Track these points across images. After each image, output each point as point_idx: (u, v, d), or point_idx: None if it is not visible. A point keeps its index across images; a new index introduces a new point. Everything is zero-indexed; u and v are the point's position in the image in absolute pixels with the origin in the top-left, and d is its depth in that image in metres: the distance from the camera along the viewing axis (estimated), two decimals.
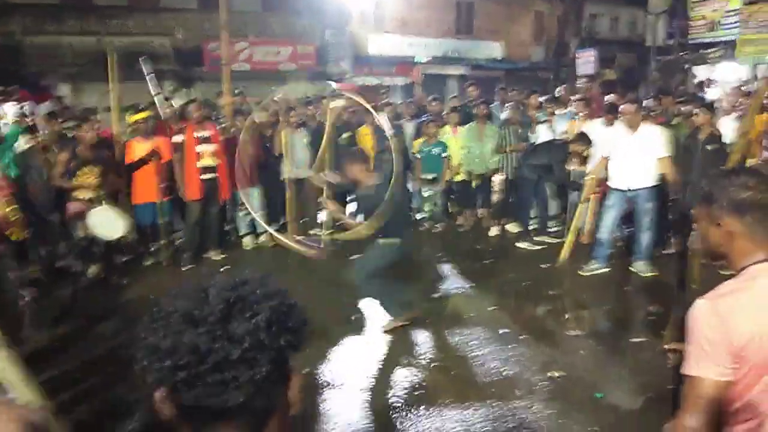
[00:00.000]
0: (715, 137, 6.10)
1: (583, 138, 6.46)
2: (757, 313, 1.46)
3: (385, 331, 4.74)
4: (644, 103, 7.07)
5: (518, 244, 7.10)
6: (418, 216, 8.09)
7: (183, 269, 6.39)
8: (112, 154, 6.32)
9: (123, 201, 6.43)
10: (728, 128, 6.36)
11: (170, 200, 6.53)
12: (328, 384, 3.97)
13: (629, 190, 5.86)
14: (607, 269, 6.04)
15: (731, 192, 1.53)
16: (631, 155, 5.74)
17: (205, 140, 6.50)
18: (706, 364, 1.46)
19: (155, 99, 7.50)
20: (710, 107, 6.31)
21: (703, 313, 1.49)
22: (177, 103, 8.43)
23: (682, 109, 6.54)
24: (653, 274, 5.86)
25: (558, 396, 3.76)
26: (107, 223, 5.61)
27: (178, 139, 6.49)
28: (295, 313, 0.91)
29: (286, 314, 0.89)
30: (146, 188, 6.37)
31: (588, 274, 6.00)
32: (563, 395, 3.77)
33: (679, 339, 1.69)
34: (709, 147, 6.03)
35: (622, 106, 5.94)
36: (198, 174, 6.43)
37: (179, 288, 0.91)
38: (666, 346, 1.86)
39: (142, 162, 6.33)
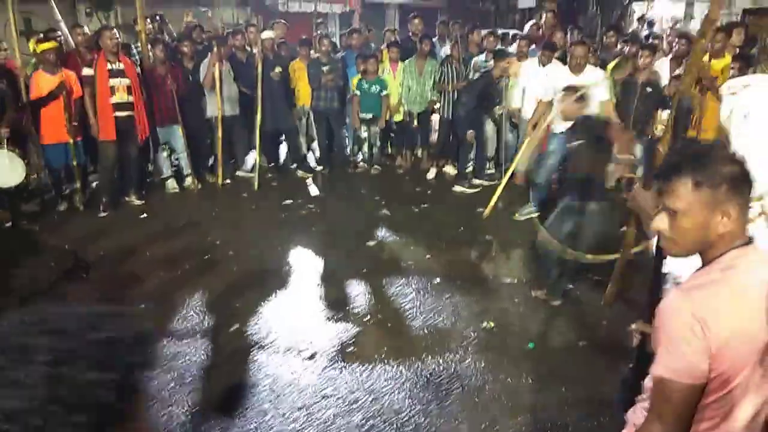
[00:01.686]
0: (653, 79, 6.06)
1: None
2: (736, 309, 1.30)
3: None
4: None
5: (454, 188, 7.01)
6: (360, 158, 7.82)
7: (100, 215, 5.95)
8: (13, 88, 5.66)
9: (30, 141, 5.86)
10: (665, 70, 6.32)
11: (83, 140, 5.98)
12: (257, 342, 3.79)
13: None
14: (537, 212, 6.03)
15: (714, 165, 1.32)
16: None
17: (119, 73, 5.91)
18: (679, 366, 1.31)
19: (60, 25, 6.74)
20: (652, 48, 6.23)
21: (677, 309, 1.32)
22: (92, 28, 7.62)
23: (625, 49, 6.42)
24: None
25: (491, 347, 3.74)
26: (1, 169, 5.07)
27: (88, 72, 5.88)
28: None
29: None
30: (55, 127, 5.79)
31: (523, 218, 5.98)
32: (496, 346, 3.75)
33: (648, 321, 1.53)
34: (647, 89, 6.00)
35: (572, 48, 5.76)
36: (111, 111, 5.89)
37: None
38: (633, 326, 1.73)
39: (50, 97, 5.71)
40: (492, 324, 4.00)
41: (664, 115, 5.97)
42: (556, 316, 4.16)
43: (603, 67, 6.46)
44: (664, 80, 6.14)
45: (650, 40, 8.42)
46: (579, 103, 4.68)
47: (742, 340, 1.30)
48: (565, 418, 3.08)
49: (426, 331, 3.95)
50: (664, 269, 2.00)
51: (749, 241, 1.38)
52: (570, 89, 4.78)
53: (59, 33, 6.61)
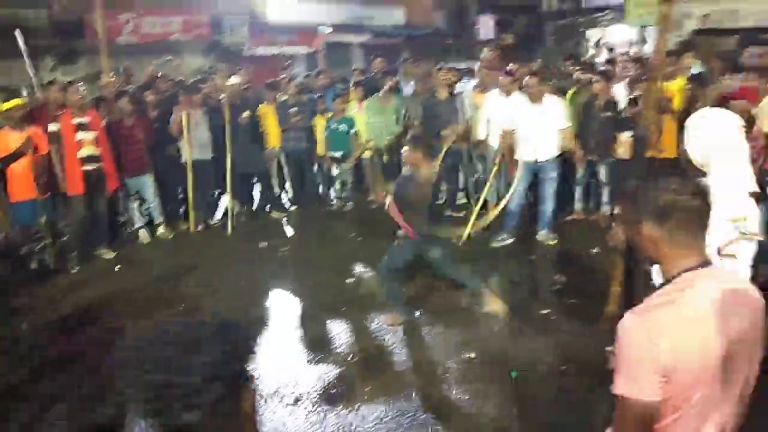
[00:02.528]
0: (611, 104, 6.28)
1: None
2: (685, 329, 1.37)
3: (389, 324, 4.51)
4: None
5: None
6: (333, 196, 7.87)
7: (72, 271, 5.85)
8: None
9: None
10: (621, 94, 6.55)
11: (52, 195, 5.92)
12: None
13: (536, 162, 5.94)
14: (513, 239, 6.14)
15: (652, 197, 1.45)
16: (537, 127, 5.82)
17: (85, 127, 5.90)
18: (633, 384, 1.38)
19: (33, 80, 6.71)
20: (607, 75, 6.48)
21: (629, 329, 1.41)
22: (59, 81, 7.59)
23: (582, 76, 6.66)
24: (555, 242, 6.05)
25: (474, 378, 3.75)
26: None
27: (53, 127, 5.85)
28: (244, 345, 1.08)
29: (236, 347, 1.05)
30: (23, 184, 5.73)
31: (498, 245, 6.07)
32: (479, 376, 3.76)
33: None
34: (606, 113, 6.21)
35: (525, 79, 5.96)
36: (79, 165, 5.85)
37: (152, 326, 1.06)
38: (608, 348, 1.78)
39: (16, 155, 5.66)
40: (473, 355, 4.01)
41: (623, 136, 6.17)
42: (536, 342, 4.19)
43: (562, 94, 6.68)
44: (622, 104, 6.36)
45: (609, 65, 8.74)
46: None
47: (695, 359, 1.36)
48: None
49: (409, 365, 3.95)
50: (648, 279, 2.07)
51: (706, 263, 1.47)
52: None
53: (25, 90, 6.59)
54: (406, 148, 4.36)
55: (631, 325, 1.41)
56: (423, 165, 4.29)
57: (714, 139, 2.61)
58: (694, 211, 1.44)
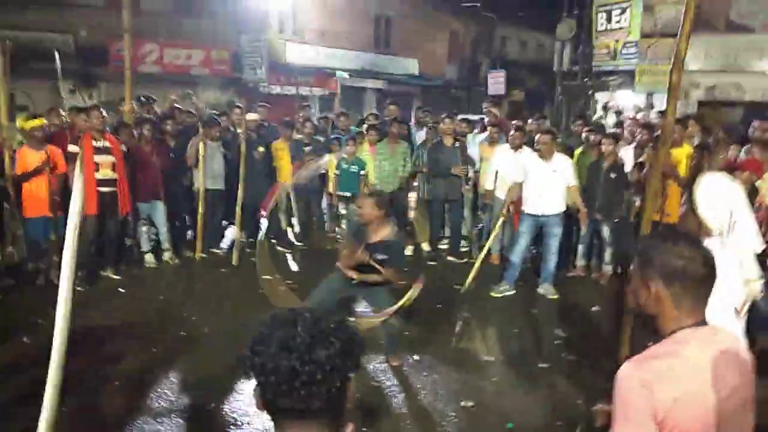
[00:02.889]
0: (618, 165, 6.43)
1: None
2: (681, 379, 1.44)
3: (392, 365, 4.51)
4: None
5: (429, 262, 7.19)
6: (339, 234, 7.96)
7: (78, 289, 5.88)
8: None
9: (9, 217, 5.90)
10: (628, 156, 6.71)
11: (64, 215, 6.01)
12: (233, 423, 3.74)
13: (542, 215, 6.06)
14: (514, 291, 6.20)
15: (664, 258, 1.53)
16: (545, 183, 5.97)
17: (104, 150, 6.05)
18: (630, 430, 1.44)
19: (64, 101, 6.91)
20: (615, 137, 6.64)
21: (627, 377, 1.48)
22: (75, 101, 7.80)
23: (592, 137, 6.82)
24: (557, 297, 6.10)
25: (470, 427, 3.74)
26: None
27: (74, 149, 5.99)
28: (358, 343, 1.19)
29: (351, 344, 1.18)
30: (38, 201, 5.87)
31: (499, 295, 6.12)
32: (475, 426, 3.76)
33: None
34: (612, 175, 6.35)
35: (538, 136, 6.13)
36: (95, 187, 5.97)
37: (274, 317, 1.22)
38: (596, 407, 1.84)
39: (34, 173, 5.81)
40: (471, 403, 4.02)
41: (634, 199, 6.33)
42: (534, 395, 4.20)
43: (570, 153, 6.85)
44: (628, 166, 6.51)
45: (618, 128, 8.96)
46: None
47: (691, 410, 1.43)
48: None
49: (405, 411, 3.95)
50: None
51: (703, 322, 1.55)
52: None
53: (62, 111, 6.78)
54: (366, 201, 4.35)
55: (629, 373, 1.48)
56: (378, 224, 4.31)
57: (729, 202, 2.73)
58: (701, 279, 1.52)
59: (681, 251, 1.52)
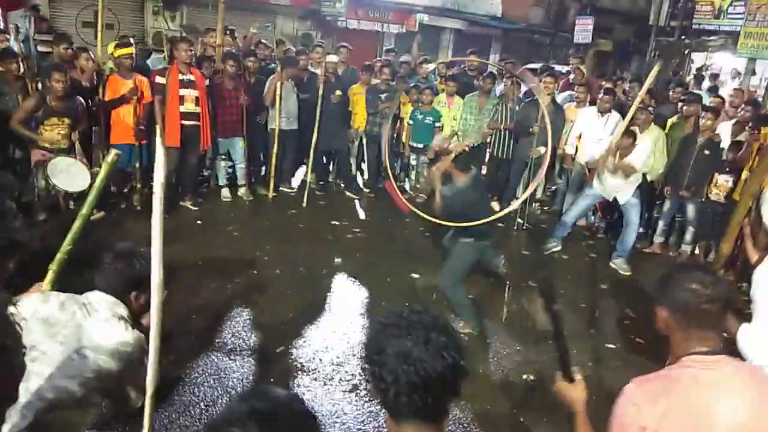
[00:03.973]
0: (714, 143, 6.01)
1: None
2: (671, 399, 1.52)
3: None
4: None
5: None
6: (408, 185, 7.93)
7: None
8: (88, 97, 5.95)
9: (98, 140, 6.16)
10: (726, 133, 6.26)
11: (147, 144, 6.22)
12: (301, 367, 3.89)
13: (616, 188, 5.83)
14: (559, 247, 6.27)
15: (672, 289, 1.63)
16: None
17: (189, 84, 6.15)
18: None
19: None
20: (716, 111, 6.15)
21: (625, 395, 1.60)
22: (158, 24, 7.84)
23: (689, 109, 6.36)
24: (629, 273, 5.91)
25: (530, 401, 3.76)
26: (68, 175, 5.25)
27: (160, 80, 6.12)
28: (463, 354, 1.30)
29: (460, 355, 1.30)
30: (123, 129, 6.08)
31: (548, 252, 6.21)
32: (536, 399, 3.78)
33: None
34: (706, 152, 5.96)
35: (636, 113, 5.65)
36: (179, 119, 6.11)
37: (384, 325, 1.31)
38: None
39: (122, 100, 5.99)
40: (532, 376, 4.02)
41: (721, 179, 5.93)
42: (595, 377, 4.16)
43: (662, 122, 6.44)
44: (725, 143, 6.09)
45: (712, 93, 8.33)
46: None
47: (679, 423, 1.50)
48: None
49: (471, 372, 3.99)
50: None
51: (717, 352, 1.59)
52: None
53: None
54: (445, 158, 4.41)
55: (629, 391, 1.60)
56: (459, 176, 4.42)
57: None
58: (705, 314, 1.57)
59: (689, 285, 1.59)
